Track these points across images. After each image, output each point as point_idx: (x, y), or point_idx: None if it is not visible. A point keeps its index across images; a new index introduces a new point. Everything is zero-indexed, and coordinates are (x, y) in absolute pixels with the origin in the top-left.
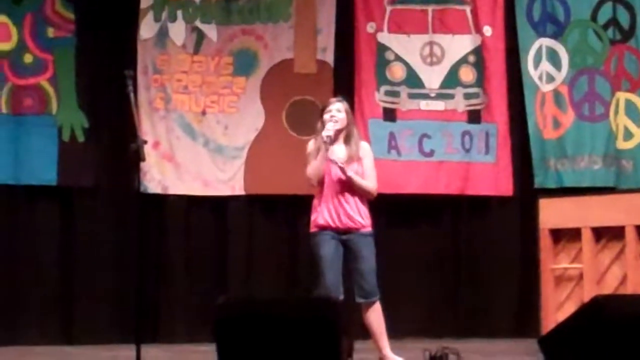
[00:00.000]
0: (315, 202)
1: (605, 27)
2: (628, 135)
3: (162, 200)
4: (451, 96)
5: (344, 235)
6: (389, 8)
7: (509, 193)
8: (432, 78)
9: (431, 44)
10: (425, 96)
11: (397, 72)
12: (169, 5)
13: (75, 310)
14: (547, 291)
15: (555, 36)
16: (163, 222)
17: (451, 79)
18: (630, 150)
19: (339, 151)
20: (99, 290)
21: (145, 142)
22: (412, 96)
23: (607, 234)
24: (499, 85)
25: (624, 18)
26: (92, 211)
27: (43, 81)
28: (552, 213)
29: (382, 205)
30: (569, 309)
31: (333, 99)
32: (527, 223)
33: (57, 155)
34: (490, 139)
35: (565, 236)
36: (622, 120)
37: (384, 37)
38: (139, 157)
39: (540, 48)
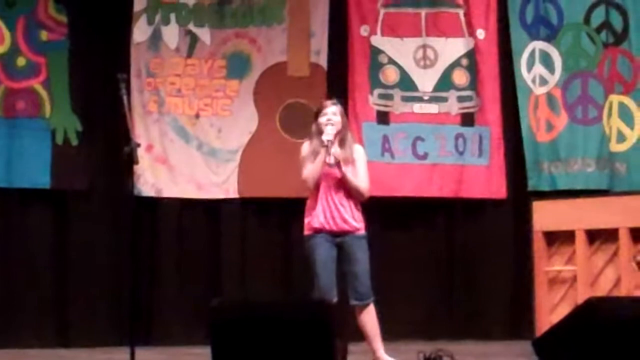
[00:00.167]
0: (308, 204)
1: (598, 30)
2: (621, 138)
3: (156, 203)
4: (444, 99)
5: (338, 237)
6: (382, 11)
7: (502, 196)
8: (426, 81)
9: (424, 47)
10: (419, 99)
11: (390, 75)
12: (162, 8)
13: (70, 313)
14: (541, 293)
15: (548, 39)
16: (157, 225)
17: (444, 82)
18: (623, 153)
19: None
20: (94, 292)
21: (139, 145)
22: (405, 99)
23: (601, 237)
24: (492, 88)
25: (616, 21)
26: (85, 214)
27: (36, 84)
28: (545, 215)
29: (376, 208)
30: (563, 311)
31: (328, 102)
32: (521, 226)
33: (51, 159)
34: (483, 141)
35: (559, 238)
36: (616, 123)
37: (378, 40)
38: (132, 160)
39: (533, 51)
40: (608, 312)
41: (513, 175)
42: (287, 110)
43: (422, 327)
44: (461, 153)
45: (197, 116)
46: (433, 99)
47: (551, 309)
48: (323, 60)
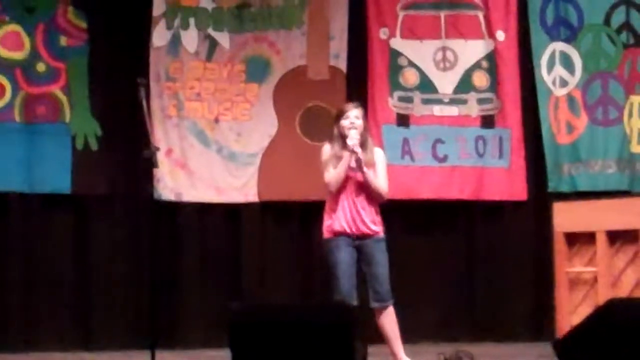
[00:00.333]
0: (328, 207)
1: (619, 31)
2: None
3: (176, 208)
4: (464, 101)
5: (357, 240)
6: (401, 14)
7: (522, 198)
8: (446, 83)
9: (444, 49)
10: (439, 101)
11: (410, 77)
12: (182, 12)
13: (91, 317)
14: (561, 294)
15: (568, 40)
16: (177, 229)
17: (464, 84)
18: None
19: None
20: (115, 296)
21: (158, 149)
22: (425, 102)
23: (622, 237)
24: (512, 90)
25: (637, 22)
26: (106, 219)
27: (56, 90)
28: (566, 217)
29: (397, 211)
30: (584, 312)
31: (350, 105)
32: (541, 227)
33: (71, 164)
34: (503, 143)
35: (579, 240)
36: (636, 124)
37: (397, 43)
38: (152, 164)
39: (553, 52)
40: (629, 313)
41: (533, 177)
42: (307, 114)
43: (442, 328)
44: (481, 155)
45: (217, 121)
46: (453, 102)
47: (572, 311)
48: (342, 64)
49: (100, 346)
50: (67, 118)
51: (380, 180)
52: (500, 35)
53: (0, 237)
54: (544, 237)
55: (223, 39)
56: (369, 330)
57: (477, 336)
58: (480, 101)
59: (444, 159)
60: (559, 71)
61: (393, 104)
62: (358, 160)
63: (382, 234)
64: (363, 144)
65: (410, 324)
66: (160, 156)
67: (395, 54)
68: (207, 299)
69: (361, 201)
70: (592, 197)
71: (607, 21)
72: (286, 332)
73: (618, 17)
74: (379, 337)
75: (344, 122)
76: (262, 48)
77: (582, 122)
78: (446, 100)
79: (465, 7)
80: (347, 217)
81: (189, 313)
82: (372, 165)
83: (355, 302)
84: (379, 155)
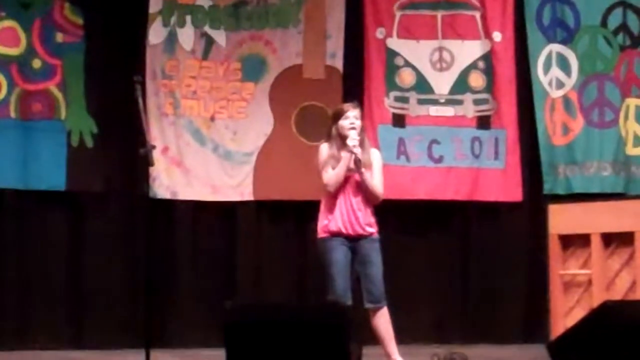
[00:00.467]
0: (324, 207)
1: (615, 32)
2: (637, 141)
3: (171, 206)
4: (460, 102)
5: (353, 241)
6: (398, 14)
7: (518, 199)
8: (442, 84)
9: (440, 49)
10: (435, 102)
11: (406, 77)
12: (178, 10)
13: (85, 315)
14: (556, 297)
15: (565, 42)
16: (172, 227)
17: (460, 85)
18: (639, 157)
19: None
20: (108, 295)
21: (154, 147)
22: (421, 102)
23: (617, 240)
24: (508, 91)
25: (634, 24)
26: (101, 216)
27: (52, 86)
28: (561, 219)
29: (391, 211)
30: (578, 314)
31: (349, 105)
32: (536, 229)
33: (66, 161)
34: (499, 144)
35: (574, 242)
36: (632, 126)
37: (394, 43)
38: (147, 162)
39: (550, 54)
40: (623, 316)
41: (529, 179)
42: (303, 113)
43: (436, 330)
44: (477, 156)
45: (213, 119)
46: (449, 102)
47: (566, 313)
48: (339, 63)
49: (94, 344)
50: (63, 115)
51: (376, 181)
52: (496, 36)
53: None
54: (539, 238)
55: (219, 37)
56: (363, 331)
57: (471, 338)
58: (476, 102)
59: (440, 159)
60: (556, 72)
61: (389, 104)
62: (357, 161)
63: (376, 235)
64: (361, 145)
65: (404, 325)
66: (156, 154)
67: (391, 54)
68: (201, 297)
69: (358, 202)
70: (587, 199)
71: (603, 23)
72: (281, 331)
73: (615, 19)
74: (374, 338)
75: (344, 123)
76: (258, 46)
77: (578, 123)
78: (442, 100)
79: (462, 8)
80: (344, 217)
81: (183, 312)
82: (369, 166)
83: (350, 302)
84: (375, 156)
